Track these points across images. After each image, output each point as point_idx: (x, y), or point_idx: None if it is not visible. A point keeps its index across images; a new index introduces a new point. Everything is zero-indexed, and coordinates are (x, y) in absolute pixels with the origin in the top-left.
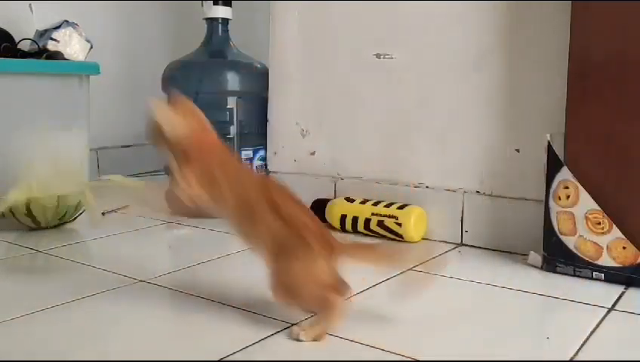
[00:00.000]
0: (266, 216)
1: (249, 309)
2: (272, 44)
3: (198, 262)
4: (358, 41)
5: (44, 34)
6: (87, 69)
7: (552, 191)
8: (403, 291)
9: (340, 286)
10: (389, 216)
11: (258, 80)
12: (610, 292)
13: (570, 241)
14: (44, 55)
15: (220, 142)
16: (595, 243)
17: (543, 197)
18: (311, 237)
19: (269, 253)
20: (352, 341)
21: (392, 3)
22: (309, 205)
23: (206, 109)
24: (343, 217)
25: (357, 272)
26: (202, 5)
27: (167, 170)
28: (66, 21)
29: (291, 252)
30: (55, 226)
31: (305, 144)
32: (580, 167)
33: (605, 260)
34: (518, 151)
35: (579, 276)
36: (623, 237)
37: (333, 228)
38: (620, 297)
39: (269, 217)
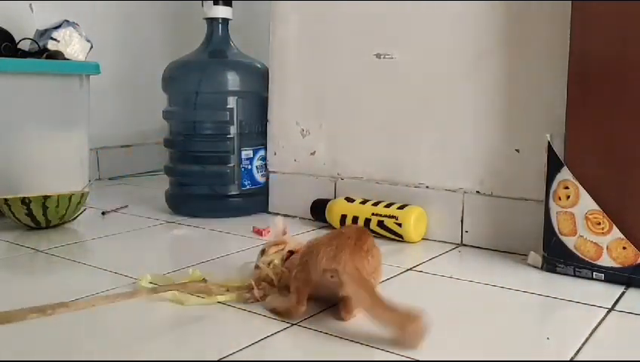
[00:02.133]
0: None
1: (249, 309)
2: (272, 44)
3: (198, 262)
4: (358, 41)
5: (45, 33)
6: (87, 69)
7: (552, 191)
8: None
9: None
10: (389, 216)
11: (258, 80)
12: (610, 292)
13: (570, 241)
14: (45, 55)
15: None
16: (595, 243)
17: (543, 197)
18: None
19: None
20: (352, 341)
21: (392, 3)
22: (309, 205)
23: (206, 109)
24: (343, 217)
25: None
26: (202, 5)
27: (168, 171)
28: (67, 21)
29: None
30: (55, 226)
31: (305, 144)
32: (580, 167)
33: (605, 260)
34: (518, 151)
35: (579, 276)
36: (623, 237)
37: (333, 228)
38: (620, 297)
39: None
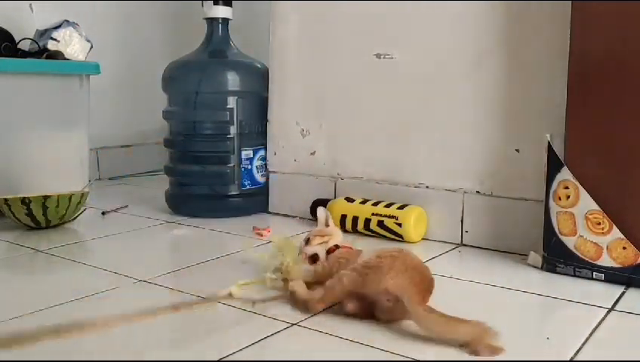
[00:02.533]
0: None
1: (249, 309)
2: (272, 44)
3: (198, 262)
4: (358, 41)
5: (45, 33)
6: (87, 69)
7: (552, 191)
8: None
9: None
10: (389, 216)
11: (258, 80)
12: (610, 292)
13: (570, 241)
14: (45, 55)
15: None
16: (595, 243)
17: (543, 197)
18: None
19: None
20: (352, 341)
21: (392, 3)
22: (309, 205)
23: (206, 109)
24: (343, 217)
25: None
26: (202, 5)
27: (168, 171)
28: (67, 21)
29: None
30: (55, 226)
31: (305, 144)
32: (579, 167)
33: (605, 260)
34: (518, 151)
35: (579, 276)
36: (623, 237)
37: None
38: (620, 297)
39: None
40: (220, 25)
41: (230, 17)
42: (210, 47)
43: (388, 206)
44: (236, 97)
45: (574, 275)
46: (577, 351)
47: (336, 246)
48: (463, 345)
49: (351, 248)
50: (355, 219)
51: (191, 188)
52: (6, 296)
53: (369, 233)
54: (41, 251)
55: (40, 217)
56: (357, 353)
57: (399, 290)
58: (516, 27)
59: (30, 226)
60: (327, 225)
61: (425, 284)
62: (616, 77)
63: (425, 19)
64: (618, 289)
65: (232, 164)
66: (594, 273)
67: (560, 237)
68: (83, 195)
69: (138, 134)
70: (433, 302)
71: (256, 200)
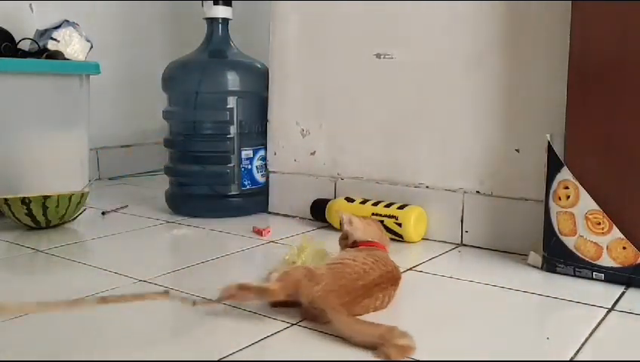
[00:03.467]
0: None
1: (249, 309)
2: (272, 44)
3: (197, 262)
4: (358, 41)
5: (45, 33)
6: (87, 69)
7: (552, 191)
8: None
9: None
10: (389, 216)
11: (258, 80)
12: (610, 292)
13: (570, 241)
14: (45, 55)
15: None
16: (595, 243)
17: (543, 197)
18: None
19: None
20: None
21: (392, 3)
22: (309, 205)
23: (206, 109)
24: None
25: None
26: (202, 5)
27: (168, 171)
28: (67, 21)
29: None
30: (55, 226)
31: (305, 144)
32: (579, 167)
33: (605, 260)
34: (518, 151)
35: (579, 276)
36: (623, 237)
37: (333, 228)
38: (620, 297)
39: None
40: (220, 25)
41: (230, 17)
42: (210, 47)
43: (388, 206)
44: (236, 97)
45: (574, 275)
46: (577, 351)
47: (354, 243)
48: (374, 349)
49: (372, 244)
50: None
51: (191, 188)
52: (6, 296)
53: None
54: (41, 251)
55: (40, 217)
56: (357, 353)
57: (322, 303)
58: (516, 27)
59: (30, 226)
60: (342, 225)
61: (354, 294)
62: (616, 77)
63: (425, 19)
64: (618, 289)
65: (232, 164)
66: (594, 273)
67: (560, 237)
68: (83, 195)
69: (138, 134)
70: (434, 301)
71: (256, 200)
